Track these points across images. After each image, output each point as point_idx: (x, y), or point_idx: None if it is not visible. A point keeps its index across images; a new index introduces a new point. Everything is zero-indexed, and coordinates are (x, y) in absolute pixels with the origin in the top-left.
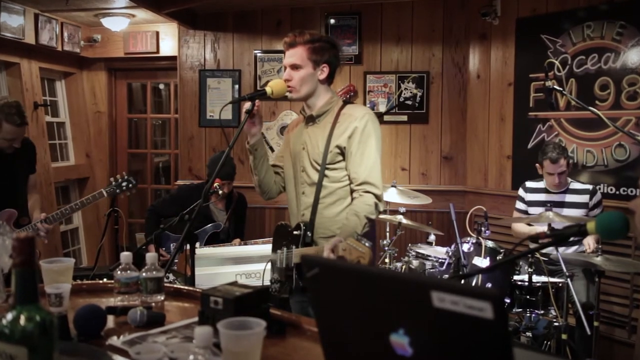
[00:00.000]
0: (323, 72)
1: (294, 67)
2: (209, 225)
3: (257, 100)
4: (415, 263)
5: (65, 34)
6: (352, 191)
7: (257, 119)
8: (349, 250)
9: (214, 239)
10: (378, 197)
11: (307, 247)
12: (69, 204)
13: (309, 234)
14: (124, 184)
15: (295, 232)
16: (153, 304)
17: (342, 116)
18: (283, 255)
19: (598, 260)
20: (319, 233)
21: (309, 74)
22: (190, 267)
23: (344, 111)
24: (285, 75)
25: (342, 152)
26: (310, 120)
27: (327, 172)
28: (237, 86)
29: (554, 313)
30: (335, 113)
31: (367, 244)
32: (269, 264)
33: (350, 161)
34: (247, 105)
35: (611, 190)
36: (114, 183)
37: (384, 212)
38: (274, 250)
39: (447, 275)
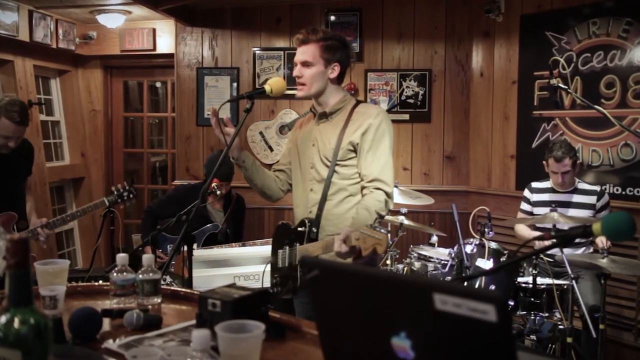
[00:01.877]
0: (334, 71)
1: (305, 64)
2: (208, 225)
3: (225, 117)
4: (417, 265)
5: (60, 31)
6: (362, 188)
7: (227, 130)
8: (363, 239)
9: (212, 241)
10: (388, 195)
11: (314, 242)
12: (64, 204)
13: (314, 230)
14: (126, 193)
15: (299, 229)
16: (150, 307)
17: (355, 114)
18: (285, 254)
19: (604, 262)
20: (325, 230)
21: (320, 72)
22: (187, 269)
23: (357, 109)
24: (296, 72)
25: (355, 148)
26: (323, 117)
27: (337, 168)
28: (235, 84)
29: (558, 316)
30: (349, 111)
31: (382, 231)
32: (269, 265)
33: (363, 158)
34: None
35: (617, 190)
36: (116, 192)
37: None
38: (275, 250)
39: (449, 277)
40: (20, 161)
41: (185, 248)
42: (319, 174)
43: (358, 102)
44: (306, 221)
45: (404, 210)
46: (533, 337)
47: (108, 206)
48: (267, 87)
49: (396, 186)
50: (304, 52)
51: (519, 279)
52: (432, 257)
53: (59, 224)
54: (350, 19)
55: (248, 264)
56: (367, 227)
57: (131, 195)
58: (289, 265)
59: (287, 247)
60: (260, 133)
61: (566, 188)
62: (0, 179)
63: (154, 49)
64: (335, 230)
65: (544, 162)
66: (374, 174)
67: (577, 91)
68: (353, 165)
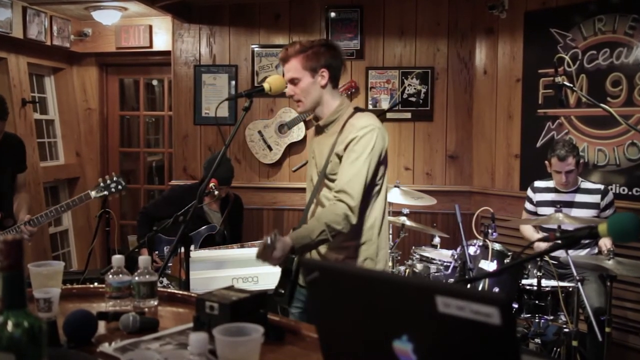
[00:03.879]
0: (323, 78)
1: (293, 81)
2: (203, 227)
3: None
4: (419, 266)
5: (55, 28)
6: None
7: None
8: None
9: (210, 242)
10: (351, 208)
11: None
12: (58, 205)
13: None
14: (113, 185)
15: None
16: (146, 310)
17: (347, 126)
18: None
19: (610, 263)
20: None
21: (309, 83)
22: (184, 271)
23: (350, 121)
24: (288, 91)
25: (341, 161)
26: (319, 130)
27: (327, 182)
28: (233, 82)
29: (564, 319)
30: (343, 121)
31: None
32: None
33: (340, 169)
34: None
35: (623, 190)
36: (102, 184)
37: (387, 213)
38: None
39: (452, 280)
40: (5, 157)
41: (183, 249)
42: (315, 187)
43: (355, 112)
44: (291, 231)
45: (405, 211)
46: (537, 340)
47: (95, 198)
48: (266, 85)
49: (398, 186)
50: (289, 70)
51: (523, 281)
52: (434, 259)
53: (43, 220)
54: (350, 15)
55: (246, 266)
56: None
57: (119, 187)
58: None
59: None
60: (259, 132)
61: (569, 188)
62: None
63: (151, 46)
64: (325, 245)
65: (546, 161)
66: (340, 185)
67: (582, 89)
68: None
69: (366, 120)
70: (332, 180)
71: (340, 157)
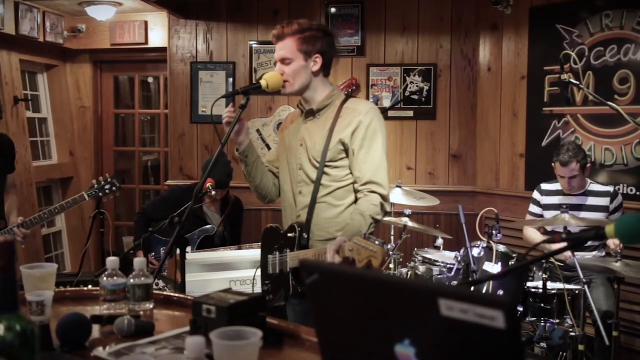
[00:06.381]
0: (316, 64)
1: (284, 61)
2: (203, 228)
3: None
4: (422, 269)
5: (48, 24)
6: (356, 191)
7: (242, 128)
8: (357, 250)
9: (209, 244)
10: (384, 198)
11: (305, 250)
12: (52, 205)
13: (305, 235)
14: (107, 186)
15: (289, 235)
16: (141, 313)
17: (345, 110)
18: (276, 260)
19: (617, 266)
20: (316, 235)
21: (301, 66)
22: (180, 273)
23: (347, 105)
24: (277, 71)
25: (346, 148)
26: (310, 114)
27: (327, 169)
28: (231, 80)
29: (570, 322)
30: (338, 107)
31: (377, 242)
32: (259, 270)
33: (355, 159)
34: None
35: (631, 190)
36: (96, 186)
37: (389, 214)
38: (264, 255)
39: (456, 282)
40: None
41: (178, 251)
42: (308, 176)
43: (347, 98)
44: (296, 226)
45: (408, 211)
46: (543, 344)
47: (89, 200)
48: (263, 82)
49: (400, 186)
50: (282, 49)
51: (529, 284)
52: (437, 261)
53: (37, 223)
54: (351, 11)
55: (244, 268)
56: (361, 237)
57: (114, 188)
58: (280, 272)
59: (277, 253)
60: (258, 131)
61: (576, 192)
62: None
63: (146, 43)
64: (326, 236)
65: (553, 164)
66: (368, 176)
67: (589, 87)
68: (344, 167)
69: (365, 103)
70: (332, 167)
71: (345, 144)
